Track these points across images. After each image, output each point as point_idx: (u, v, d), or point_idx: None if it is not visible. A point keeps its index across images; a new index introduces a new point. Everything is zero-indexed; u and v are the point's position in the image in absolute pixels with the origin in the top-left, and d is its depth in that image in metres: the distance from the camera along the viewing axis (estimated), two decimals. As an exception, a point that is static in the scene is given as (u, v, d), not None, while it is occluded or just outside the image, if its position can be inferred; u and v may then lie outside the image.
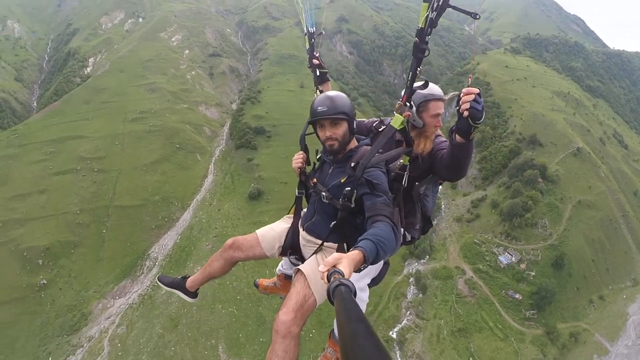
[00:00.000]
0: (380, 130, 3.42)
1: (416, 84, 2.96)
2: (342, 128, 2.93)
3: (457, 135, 2.60)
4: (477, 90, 2.39)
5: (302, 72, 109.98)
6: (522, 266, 61.95)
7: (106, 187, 67.92)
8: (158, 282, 3.86)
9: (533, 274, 60.58)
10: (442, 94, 3.30)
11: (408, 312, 56.24)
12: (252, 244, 3.31)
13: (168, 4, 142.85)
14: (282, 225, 3.46)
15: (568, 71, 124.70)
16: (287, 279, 3.86)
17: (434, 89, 3.28)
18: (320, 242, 3.02)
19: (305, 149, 3.41)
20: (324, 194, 2.96)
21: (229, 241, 3.35)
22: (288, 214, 3.55)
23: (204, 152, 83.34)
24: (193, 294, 3.71)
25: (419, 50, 2.61)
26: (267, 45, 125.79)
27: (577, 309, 60.33)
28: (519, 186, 71.52)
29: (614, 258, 68.56)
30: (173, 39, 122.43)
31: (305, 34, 3.83)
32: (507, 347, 52.22)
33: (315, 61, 3.76)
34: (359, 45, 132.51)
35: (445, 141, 3.22)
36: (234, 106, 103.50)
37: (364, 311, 2.68)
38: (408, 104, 2.87)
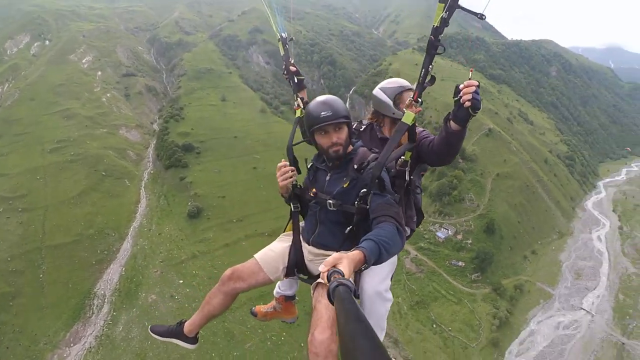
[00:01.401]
0: (361, 130, 3.56)
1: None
2: (345, 132, 2.86)
3: (452, 123, 2.68)
4: (477, 83, 2.50)
5: (222, 86, 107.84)
6: (459, 237, 67.35)
7: (34, 228, 61.07)
8: (151, 333, 3.38)
9: (470, 242, 66.18)
10: (410, 84, 3.54)
11: (366, 299, 59.14)
12: (253, 270, 3.02)
13: (75, 24, 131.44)
14: (280, 244, 3.21)
15: (472, 63, 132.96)
16: (287, 300, 3.67)
17: (401, 81, 3.60)
18: (332, 253, 2.71)
19: (294, 159, 3.21)
20: (330, 202, 2.83)
21: (227, 272, 3.00)
22: (284, 231, 3.36)
23: (132, 177, 78.06)
24: (193, 340, 3.29)
25: (433, 47, 2.75)
26: (183, 61, 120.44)
27: (515, 265, 67.08)
28: (442, 168, 76.24)
29: (536, 217, 77.49)
30: (84, 61, 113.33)
31: (279, 40, 3.58)
32: (462, 308, 56.76)
33: (292, 68, 3.51)
34: (275, 55, 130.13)
35: (424, 130, 3.30)
36: (155, 126, 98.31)
37: (388, 310, 2.85)
38: (419, 100, 2.93)
